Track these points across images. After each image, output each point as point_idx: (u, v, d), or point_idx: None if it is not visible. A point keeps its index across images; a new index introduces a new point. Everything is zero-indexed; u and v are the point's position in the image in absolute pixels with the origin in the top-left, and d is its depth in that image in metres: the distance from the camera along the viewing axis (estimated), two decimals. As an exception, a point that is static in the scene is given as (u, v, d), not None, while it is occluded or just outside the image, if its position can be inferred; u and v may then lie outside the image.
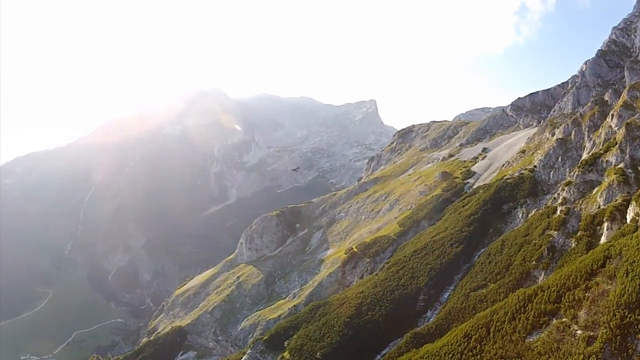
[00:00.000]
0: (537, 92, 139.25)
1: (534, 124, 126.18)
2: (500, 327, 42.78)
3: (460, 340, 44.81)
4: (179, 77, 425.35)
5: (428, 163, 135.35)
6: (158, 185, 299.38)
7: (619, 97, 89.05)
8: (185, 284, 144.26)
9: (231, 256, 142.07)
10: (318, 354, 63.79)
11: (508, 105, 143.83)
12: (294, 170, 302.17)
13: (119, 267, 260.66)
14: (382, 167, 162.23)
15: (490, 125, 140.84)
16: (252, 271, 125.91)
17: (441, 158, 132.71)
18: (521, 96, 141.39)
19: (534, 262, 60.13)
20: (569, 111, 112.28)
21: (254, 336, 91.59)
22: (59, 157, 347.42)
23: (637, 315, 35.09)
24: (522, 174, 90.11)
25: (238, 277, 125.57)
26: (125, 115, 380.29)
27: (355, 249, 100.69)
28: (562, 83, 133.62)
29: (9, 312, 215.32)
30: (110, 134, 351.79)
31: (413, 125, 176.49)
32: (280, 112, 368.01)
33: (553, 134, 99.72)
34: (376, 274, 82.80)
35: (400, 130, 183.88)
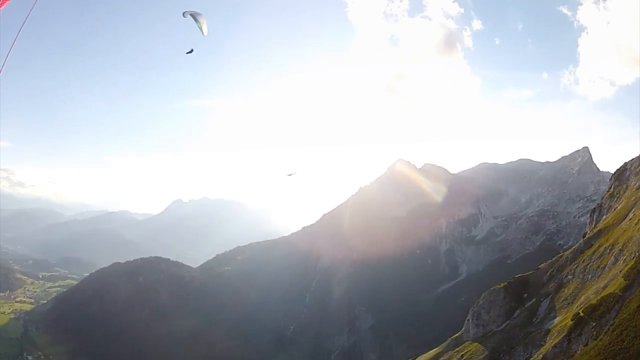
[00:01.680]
0: None
1: None
2: None
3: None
4: (398, 159, 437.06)
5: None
6: (387, 268, 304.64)
7: None
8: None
9: (457, 334, 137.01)
10: None
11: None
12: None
13: (342, 347, 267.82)
14: (604, 217, 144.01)
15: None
16: (476, 348, 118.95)
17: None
18: None
19: None
20: None
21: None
22: (283, 246, 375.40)
23: None
24: None
25: (462, 355, 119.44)
26: (349, 202, 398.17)
27: (581, 314, 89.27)
28: None
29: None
30: (335, 221, 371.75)
31: (625, 164, 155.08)
32: (501, 179, 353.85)
33: None
34: (600, 339, 71.99)
35: (614, 173, 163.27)
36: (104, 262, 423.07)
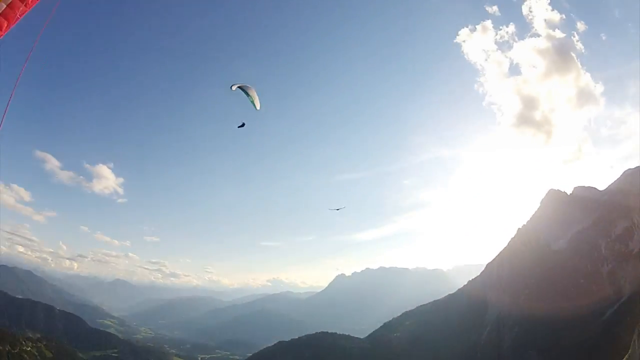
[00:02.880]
0: None
1: None
2: None
3: None
4: (549, 190, 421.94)
5: None
6: (554, 305, 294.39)
7: None
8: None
9: (624, 358, 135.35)
10: None
11: None
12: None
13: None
14: None
15: None
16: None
17: None
18: None
19: None
20: None
21: None
22: (450, 304, 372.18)
23: None
24: None
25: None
26: (509, 246, 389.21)
27: None
28: None
29: None
30: (499, 268, 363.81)
31: None
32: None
33: None
34: None
35: None
36: (267, 343, 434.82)
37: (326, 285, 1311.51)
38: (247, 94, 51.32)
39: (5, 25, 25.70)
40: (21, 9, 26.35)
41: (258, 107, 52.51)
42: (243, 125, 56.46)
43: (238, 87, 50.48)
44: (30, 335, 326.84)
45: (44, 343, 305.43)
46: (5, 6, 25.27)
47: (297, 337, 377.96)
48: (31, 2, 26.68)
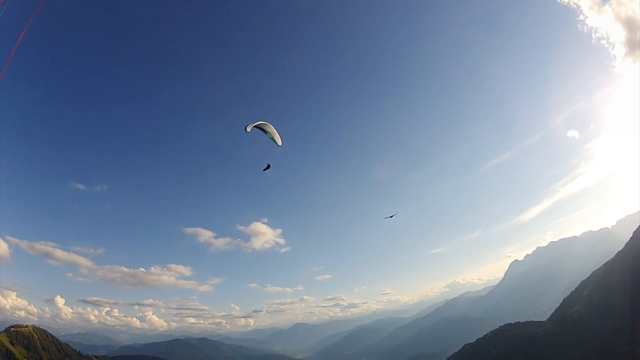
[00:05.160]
0: None
1: None
2: None
3: None
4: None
5: None
6: None
7: None
8: None
9: None
10: None
11: None
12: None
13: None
14: None
15: None
16: None
17: None
18: None
19: None
20: None
21: None
22: (624, 261, 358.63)
23: None
24: None
25: None
26: None
27: None
28: None
29: None
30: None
31: None
32: None
33: None
34: None
35: None
36: (454, 349, 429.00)
37: (502, 275, 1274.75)
38: (265, 132, 49.86)
39: None
40: None
41: (280, 143, 50.70)
42: (269, 167, 54.59)
43: (254, 126, 48.28)
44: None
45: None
46: None
47: (482, 336, 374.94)
48: None
